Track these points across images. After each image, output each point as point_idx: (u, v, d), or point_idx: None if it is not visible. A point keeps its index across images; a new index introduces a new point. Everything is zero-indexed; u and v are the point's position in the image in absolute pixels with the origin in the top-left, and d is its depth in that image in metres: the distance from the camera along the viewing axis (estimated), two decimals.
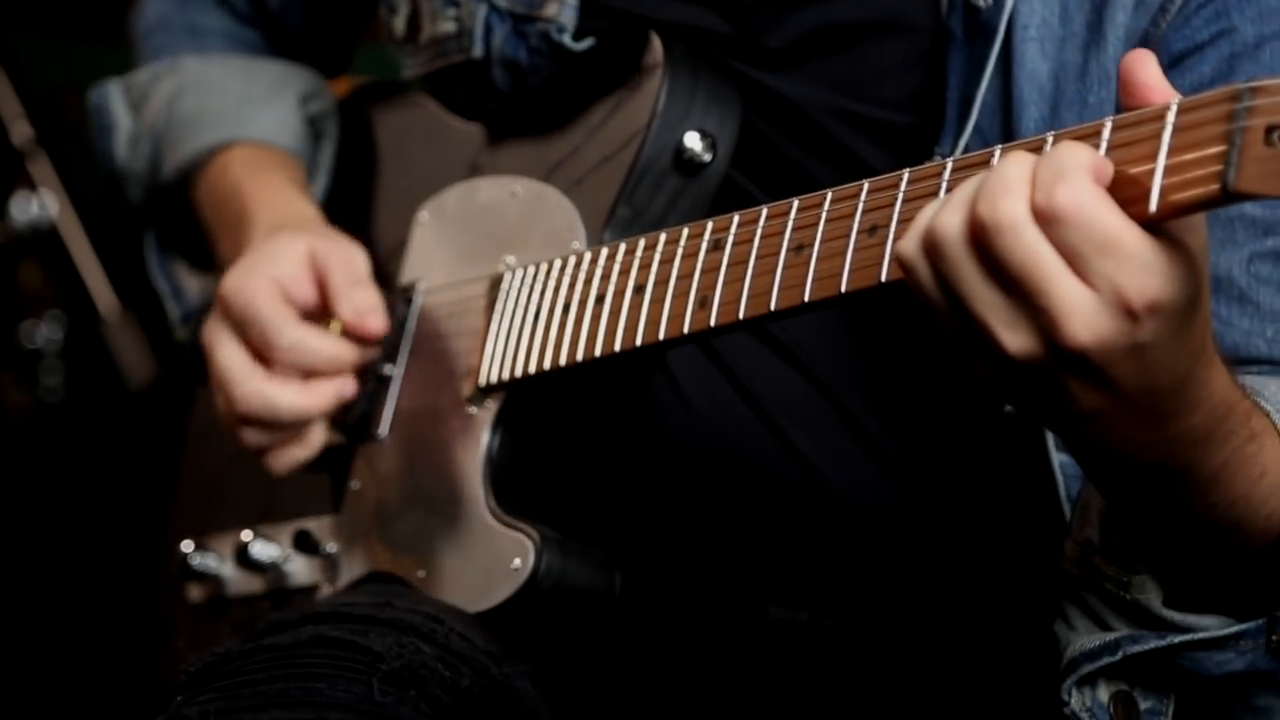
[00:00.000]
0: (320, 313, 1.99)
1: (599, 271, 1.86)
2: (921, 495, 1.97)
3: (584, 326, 1.85)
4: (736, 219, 1.73)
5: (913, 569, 1.98)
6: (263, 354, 1.96)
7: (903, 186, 1.57)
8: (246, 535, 2.11)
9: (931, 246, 1.47)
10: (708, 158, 1.94)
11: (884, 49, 1.94)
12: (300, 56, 2.40)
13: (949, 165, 1.55)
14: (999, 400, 1.89)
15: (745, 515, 1.98)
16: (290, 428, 1.99)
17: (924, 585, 1.99)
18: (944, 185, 1.56)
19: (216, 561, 2.18)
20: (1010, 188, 1.43)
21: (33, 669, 4.59)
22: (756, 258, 1.69)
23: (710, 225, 1.75)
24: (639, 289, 1.80)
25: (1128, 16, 1.85)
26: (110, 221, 4.07)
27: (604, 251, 1.87)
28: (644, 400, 1.98)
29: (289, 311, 1.97)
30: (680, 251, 1.77)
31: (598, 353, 1.83)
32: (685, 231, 1.78)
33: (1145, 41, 1.84)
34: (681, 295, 1.75)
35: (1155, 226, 1.43)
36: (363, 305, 1.97)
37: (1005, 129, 1.88)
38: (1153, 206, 1.42)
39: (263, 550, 2.10)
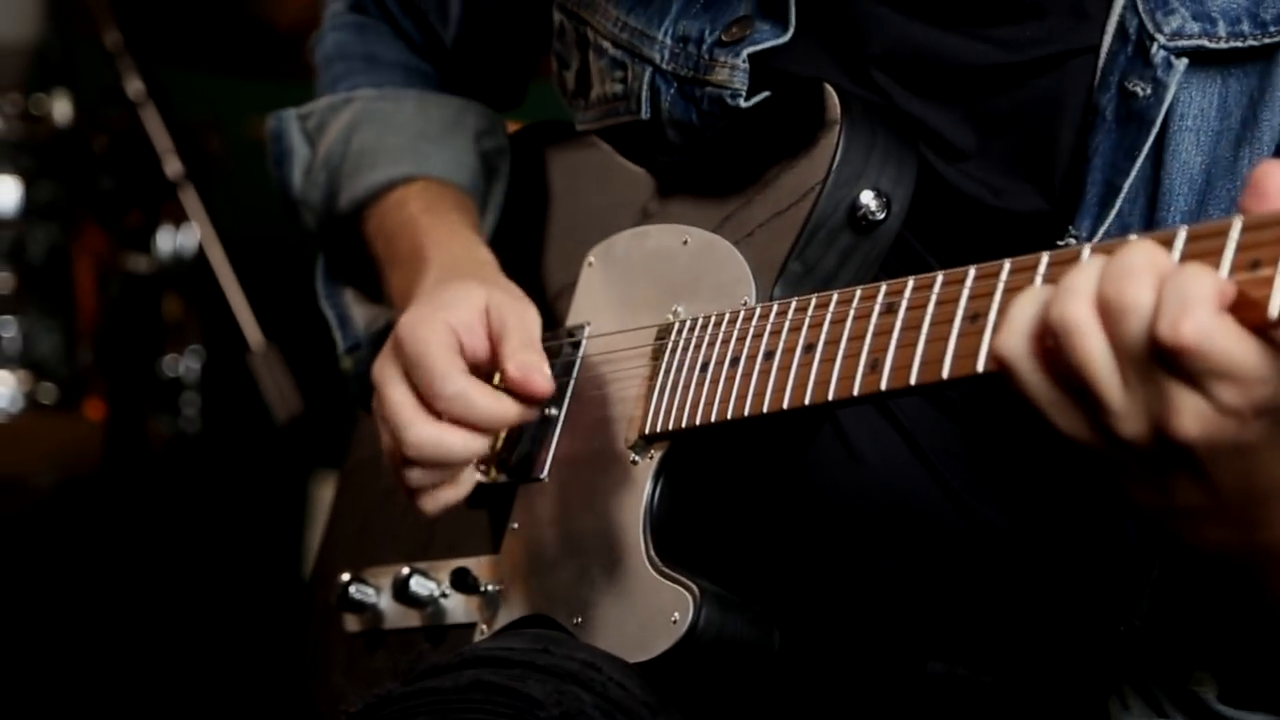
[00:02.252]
0: (488, 366, 2.00)
1: (769, 327, 1.86)
2: (1088, 555, 1.97)
3: (752, 382, 1.85)
4: (911, 283, 1.72)
5: (1072, 628, 1.98)
6: (426, 398, 1.97)
7: (1178, 249, 1.54)
8: (405, 570, 2.13)
9: (1052, 332, 1.48)
10: (881, 216, 1.94)
11: (1037, 131, 1.92)
12: (474, 89, 2.41)
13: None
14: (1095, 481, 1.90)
15: (909, 568, 1.98)
16: (451, 470, 2.01)
17: (1081, 645, 1.98)
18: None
19: (374, 594, 2.21)
20: (1137, 273, 1.45)
21: (176, 694, 4.65)
22: (930, 324, 1.67)
23: (884, 288, 1.74)
24: (809, 348, 1.80)
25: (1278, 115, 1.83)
26: (252, 256, 4.14)
27: (775, 307, 1.87)
28: (810, 452, 1.97)
29: (457, 361, 1.97)
30: (853, 312, 1.76)
31: (765, 409, 1.83)
32: (858, 293, 1.77)
33: None
34: (853, 357, 1.74)
35: (1272, 332, 1.44)
36: (529, 363, 1.96)
37: (1149, 218, 1.86)
38: (1272, 315, 1.43)
39: (421, 586, 2.12)
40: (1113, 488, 1.55)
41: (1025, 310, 1.52)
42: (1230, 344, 1.44)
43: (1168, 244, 1.50)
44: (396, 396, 1.99)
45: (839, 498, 1.98)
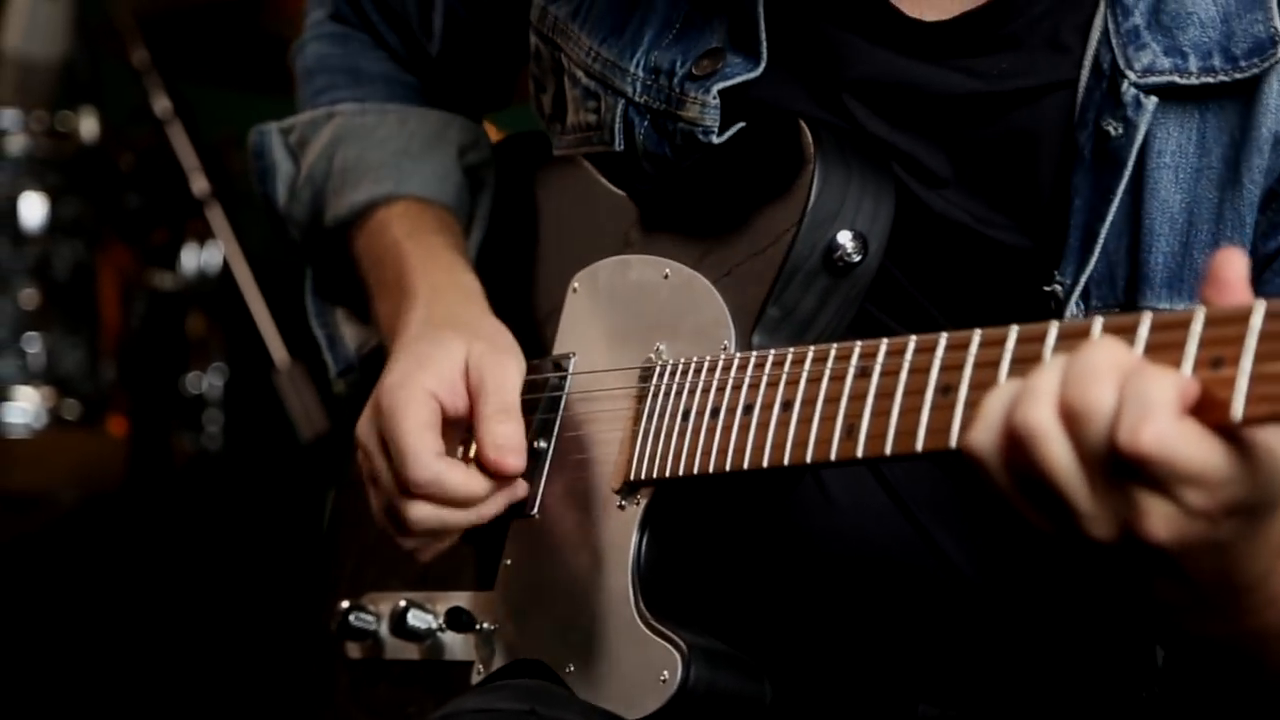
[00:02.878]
0: (469, 421, 2.01)
1: (747, 380, 1.85)
2: (1069, 597, 1.96)
3: (732, 436, 1.85)
4: (884, 347, 1.70)
5: (1059, 668, 1.97)
6: (400, 483, 1.99)
7: (1049, 342, 1.55)
8: (403, 603, 2.13)
9: (1016, 436, 1.47)
10: (858, 257, 1.91)
11: (1016, 165, 1.90)
12: (459, 98, 2.40)
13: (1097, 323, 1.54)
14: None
15: (892, 614, 1.96)
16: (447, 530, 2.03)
17: (1071, 685, 1.97)
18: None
19: (374, 622, 2.21)
20: (1099, 374, 1.44)
21: (196, 708, 4.66)
22: (904, 393, 1.66)
23: (858, 349, 1.73)
24: (786, 405, 1.79)
25: (1264, 158, 1.81)
26: (278, 273, 4.15)
27: (753, 359, 1.85)
28: (790, 498, 1.96)
29: (431, 442, 1.98)
30: (828, 372, 1.75)
31: (745, 465, 1.83)
32: (832, 352, 1.76)
33: None
34: (828, 419, 1.74)
35: (1236, 432, 1.42)
36: (504, 442, 1.97)
37: (1133, 259, 1.84)
38: (1236, 417, 1.41)
39: (419, 619, 2.11)
40: (1096, 574, 1.55)
41: (995, 407, 1.50)
42: (1192, 449, 1.42)
43: (1131, 333, 1.48)
44: (382, 470, 2.01)
45: (818, 544, 1.97)
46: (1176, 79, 1.82)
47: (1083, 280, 1.85)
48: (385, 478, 2.01)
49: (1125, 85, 1.82)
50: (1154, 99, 1.82)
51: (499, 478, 1.99)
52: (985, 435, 1.49)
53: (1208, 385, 1.43)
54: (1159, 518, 1.44)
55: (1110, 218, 1.83)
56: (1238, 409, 1.41)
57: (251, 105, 4.76)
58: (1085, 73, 1.85)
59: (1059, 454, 1.45)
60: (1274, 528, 1.48)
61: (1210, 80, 1.82)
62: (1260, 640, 1.57)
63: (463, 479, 1.98)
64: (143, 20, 4.28)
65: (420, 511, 1.98)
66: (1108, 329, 1.50)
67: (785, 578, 1.98)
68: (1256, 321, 1.42)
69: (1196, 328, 1.45)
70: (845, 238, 1.92)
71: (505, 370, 2.01)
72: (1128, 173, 1.82)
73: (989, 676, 1.97)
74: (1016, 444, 1.47)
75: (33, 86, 4.36)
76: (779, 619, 1.99)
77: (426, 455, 1.97)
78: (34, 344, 4.19)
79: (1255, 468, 1.44)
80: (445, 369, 2.00)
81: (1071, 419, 1.44)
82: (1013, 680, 1.97)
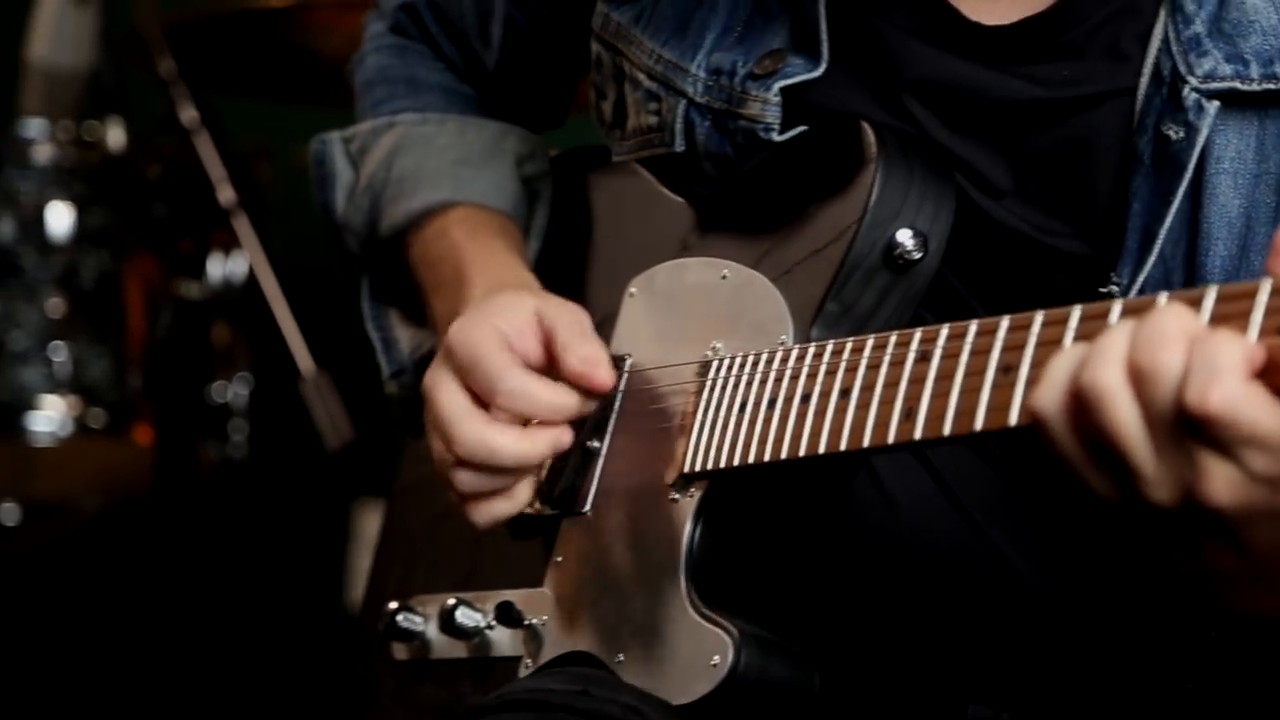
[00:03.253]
0: (543, 371, 1.99)
1: (805, 370, 1.86)
2: (1125, 598, 1.96)
3: (789, 425, 1.86)
4: (945, 332, 1.72)
5: (1115, 670, 1.98)
6: (485, 398, 1.96)
7: (1114, 317, 1.56)
8: (451, 601, 2.13)
9: (1083, 396, 1.49)
10: (919, 255, 1.94)
11: (1074, 171, 1.92)
12: (515, 111, 2.42)
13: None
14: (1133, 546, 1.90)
15: (945, 611, 1.97)
16: (504, 475, 1.99)
17: (1126, 687, 1.98)
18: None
19: (422, 623, 2.22)
20: (1169, 338, 1.46)
21: (219, 717, 4.67)
22: (965, 374, 1.68)
23: (918, 335, 1.75)
24: (845, 392, 1.80)
25: None
26: (301, 283, 4.16)
27: (811, 349, 1.87)
28: (846, 494, 1.97)
29: (513, 359, 1.97)
30: (887, 358, 1.77)
31: (802, 453, 1.84)
32: (893, 338, 1.78)
33: None
34: (887, 404, 1.75)
35: None
36: (589, 355, 1.96)
37: (1190, 261, 1.87)
38: None
39: (467, 617, 2.12)
40: (1149, 550, 1.56)
41: (1061, 370, 1.52)
42: (1258, 412, 1.44)
43: (1196, 304, 1.50)
44: (447, 399, 1.98)
45: (874, 541, 1.98)
46: (1238, 85, 1.84)
47: (1139, 282, 1.87)
48: (456, 406, 1.97)
49: (1186, 90, 1.85)
50: (1215, 103, 1.84)
51: (585, 395, 1.97)
52: (1050, 396, 1.52)
53: (1274, 351, 1.45)
54: (1221, 481, 1.46)
55: (1169, 220, 1.86)
56: None
57: (278, 115, 4.81)
58: (1145, 80, 1.88)
59: (1125, 414, 1.47)
60: None
61: (1272, 86, 1.84)
62: None
63: (551, 388, 1.96)
64: (169, 30, 4.29)
65: (491, 433, 1.95)
66: (1174, 299, 1.52)
67: (838, 572, 1.99)
68: None
69: (1262, 297, 1.47)
70: (905, 236, 1.94)
71: (576, 313, 2.01)
72: (1188, 176, 1.85)
73: (1040, 677, 1.98)
74: (1082, 404, 1.49)
75: (59, 96, 4.37)
76: (830, 613, 2.00)
77: (512, 366, 1.95)
78: (60, 353, 4.19)
79: None
80: (514, 316, 1.99)
81: (1139, 380, 1.47)
82: (1063, 680, 1.98)
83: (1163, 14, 1.89)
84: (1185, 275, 1.87)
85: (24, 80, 4.42)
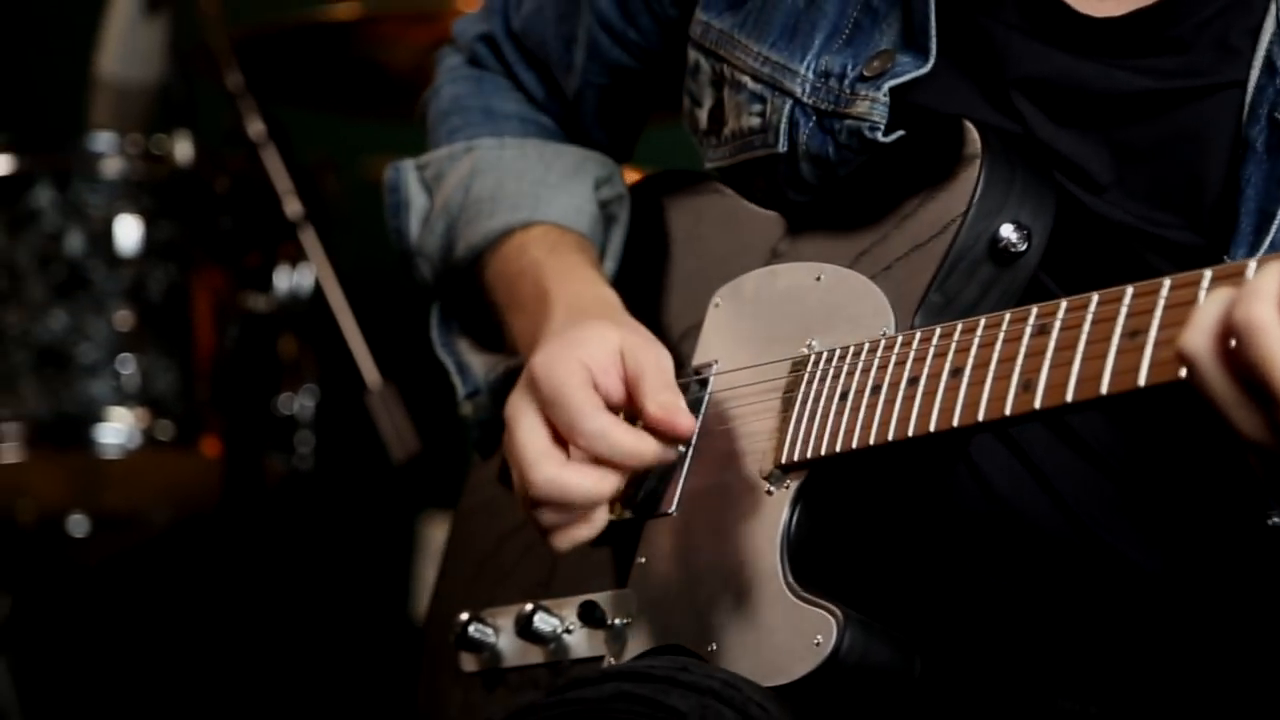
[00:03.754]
0: (623, 408, 2.00)
1: (913, 354, 1.85)
2: (1221, 594, 1.95)
3: (896, 408, 1.84)
4: (1065, 304, 1.72)
5: (1210, 668, 1.97)
6: (565, 436, 1.97)
7: (1249, 273, 1.57)
8: (529, 606, 2.12)
9: (1237, 332, 1.50)
10: (1023, 248, 1.94)
11: (1180, 164, 1.93)
12: (590, 142, 2.42)
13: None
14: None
15: (1041, 604, 1.97)
16: (581, 510, 2.00)
17: (1222, 685, 1.97)
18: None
19: (494, 634, 2.21)
20: None
21: None
22: (1087, 343, 1.67)
23: (1035, 310, 1.75)
24: (956, 372, 1.79)
25: None
26: (368, 296, 4.17)
27: (918, 335, 1.86)
28: (945, 485, 1.97)
29: (596, 399, 1.97)
30: (1002, 335, 1.77)
31: (910, 433, 1.82)
32: (1008, 316, 1.77)
33: None
34: (1003, 378, 1.74)
35: None
36: (671, 403, 1.96)
37: None
38: None
39: (545, 622, 2.12)
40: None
41: (1211, 310, 1.53)
42: None
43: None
44: (525, 434, 1.98)
45: (970, 531, 1.97)
46: None
47: None
48: (533, 444, 1.98)
49: None
50: None
51: (664, 439, 1.97)
52: (1200, 337, 1.53)
53: None
54: None
55: None
56: None
57: (345, 128, 4.82)
58: (1256, 72, 1.89)
59: (1279, 347, 1.48)
60: None
61: None
62: None
63: (632, 433, 1.96)
64: (237, 44, 4.31)
65: (565, 475, 1.96)
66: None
67: (935, 560, 1.99)
68: None
69: None
70: (1009, 230, 1.95)
71: (660, 356, 2.01)
72: None
73: (1132, 673, 1.97)
74: (1237, 339, 1.50)
75: (129, 110, 4.39)
76: (926, 602, 1.99)
77: (594, 408, 1.96)
78: (128, 365, 4.21)
79: None
80: (599, 351, 2.00)
81: None
82: (1152, 675, 1.97)
83: (1274, 8, 1.90)
84: None
85: (93, 94, 4.44)
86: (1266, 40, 1.89)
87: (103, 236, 4.22)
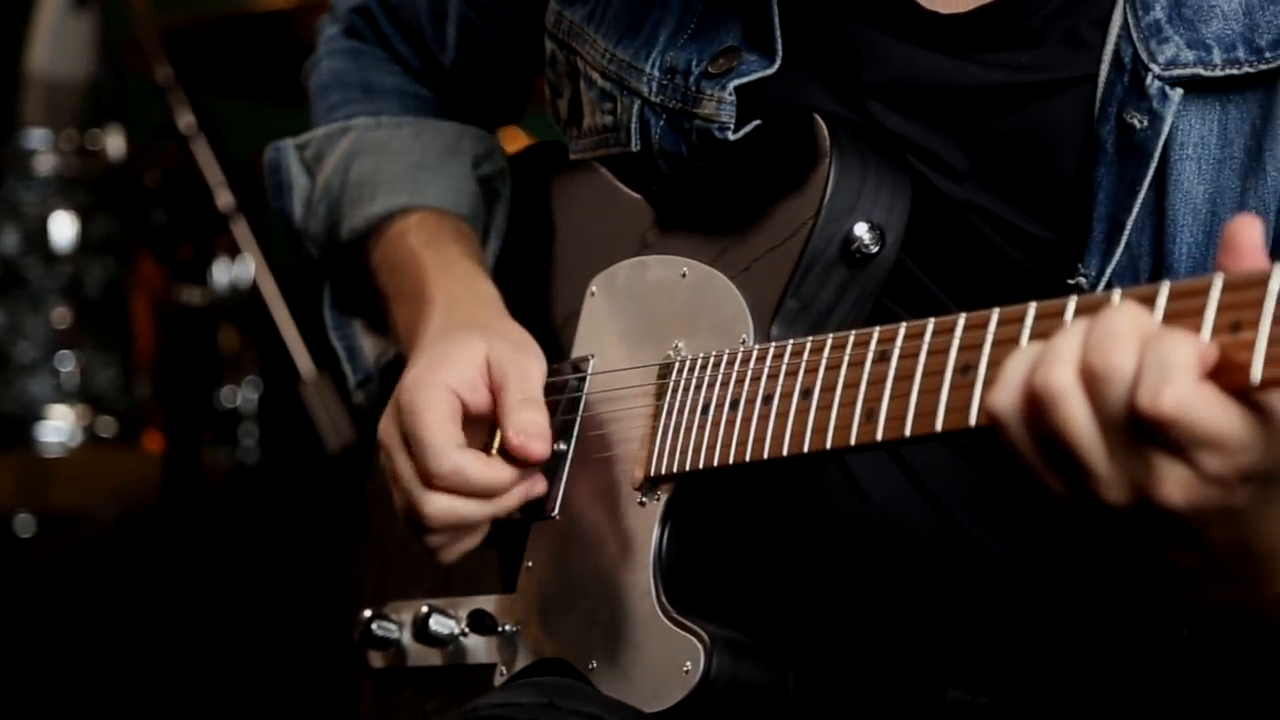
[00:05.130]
0: (492, 418, 2.01)
1: (766, 370, 1.85)
2: (1098, 586, 1.94)
3: (752, 427, 1.85)
4: (902, 331, 1.71)
5: (1086, 651, 1.96)
6: (422, 476, 1.99)
7: (1068, 315, 1.55)
8: (424, 609, 2.12)
9: (1036, 398, 1.47)
10: (875, 248, 1.92)
11: (1036, 158, 1.90)
12: (473, 109, 2.40)
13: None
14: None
15: (921, 600, 1.95)
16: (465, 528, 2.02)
17: (1104, 667, 1.96)
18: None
19: (397, 630, 2.21)
20: (1120, 338, 1.44)
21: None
22: (923, 374, 1.66)
23: (877, 334, 1.74)
24: (806, 393, 1.79)
25: None
26: (305, 286, 4.15)
27: (771, 349, 1.86)
28: (816, 489, 1.96)
29: (452, 434, 1.98)
30: (847, 358, 1.76)
31: (765, 455, 1.83)
32: (852, 338, 1.77)
33: None
34: (848, 405, 1.74)
35: (1255, 397, 1.42)
36: (528, 428, 1.97)
37: (1156, 250, 1.84)
38: (1255, 379, 1.42)
39: (441, 625, 2.12)
40: (1110, 548, 1.54)
41: (1016, 370, 1.50)
42: (1211, 412, 1.42)
43: (1150, 301, 1.48)
44: (403, 468, 2.01)
45: (846, 534, 1.96)
46: (1201, 71, 1.82)
47: (1108, 272, 1.84)
48: (406, 474, 2.00)
49: (1149, 78, 1.82)
50: (1179, 91, 1.82)
51: (523, 466, 1.98)
52: (1006, 397, 1.50)
53: (1226, 349, 1.43)
54: (1175, 482, 1.44)
55: (1135, 210, 1.83)
56: (1256, 372, 1.41)
57: (279, 119, 4.79)
58: (1105, 67, 1.86)
59: (1079, 415, 1.46)
60: None
61: (1235, 72, 1.82)
62: (1276, 612, 1.56)
63: (484, 469, 1.98)
64: (169, 36, 4.29)
65: (439, 504, 1.98)
66: (1127, 297, 1.51)
67: (811, 567, 1.98)
68: (1275, 285, 1.42)
69: (1215, 293, 1.45)
70: (862, 229, 1.92)
71: (527, 365, 2.01)
72: (1153, 164, 1.82)
73: (1017, 661, 1.96)
74: (1037, 405, 1.47)
75: (60, 106, 4.37)
76: (804, 609, 1.99)
77: (447, 447, 1.97)
78: (68, 362, 4.20)
79: (1273, 434, 1.44)
80: (465, 367, 2.00)
81: (1092, 381, 1.45)
82: (1040, 663, 1.96)
83: (1121, 0, 1.86)
84: (1153, 264, 1.85)
85: (24, 91, 4.42)
86: (1115, 34, 1.85)
87: (38, 234, 4.22)
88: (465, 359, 2.01)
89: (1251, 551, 1.50)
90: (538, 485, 2.01)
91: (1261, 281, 1.42)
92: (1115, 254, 1.84)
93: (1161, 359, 1.42)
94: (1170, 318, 1.47)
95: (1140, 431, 1.43)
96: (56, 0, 4.34)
